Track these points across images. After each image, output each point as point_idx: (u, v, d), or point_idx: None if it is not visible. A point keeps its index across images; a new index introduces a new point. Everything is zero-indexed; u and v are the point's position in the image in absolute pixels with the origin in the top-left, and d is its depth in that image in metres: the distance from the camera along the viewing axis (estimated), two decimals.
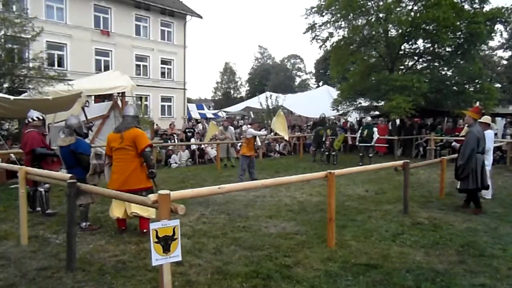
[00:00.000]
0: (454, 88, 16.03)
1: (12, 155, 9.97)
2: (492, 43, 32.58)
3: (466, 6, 15.35)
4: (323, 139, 14.05)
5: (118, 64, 24.75)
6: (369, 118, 14.84)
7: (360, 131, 13.98)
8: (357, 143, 13.99)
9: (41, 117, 6.85)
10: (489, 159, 7.72)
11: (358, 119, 20.69)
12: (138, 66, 27.75)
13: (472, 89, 15.82)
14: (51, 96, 10.73)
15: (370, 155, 13.32)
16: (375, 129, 13.57)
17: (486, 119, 7.80)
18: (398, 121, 16.63)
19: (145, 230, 5.20)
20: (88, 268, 4.14)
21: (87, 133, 6.78)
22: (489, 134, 7.63)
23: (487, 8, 15.21)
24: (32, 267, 4.18)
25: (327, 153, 13.95)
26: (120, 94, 13.44)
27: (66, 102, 10.59)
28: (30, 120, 6.79)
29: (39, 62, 12.46)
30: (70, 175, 4.49)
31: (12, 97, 9.12)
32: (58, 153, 6.11)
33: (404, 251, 4.74)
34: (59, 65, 22.21)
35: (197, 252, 4.64)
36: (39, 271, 4.08)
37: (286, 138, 13.44)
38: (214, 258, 4.46)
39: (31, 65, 12.54)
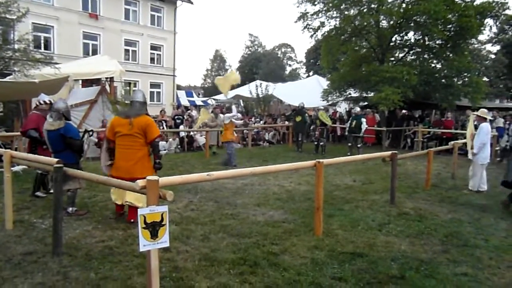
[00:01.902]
0: (443, 81, 16.17)
1: None
2: (481, 37, 32.86)
3: None
4: (304, 128, 14.28)
5: (107, 48, 24.31)
6: (358, 109, 14.86)
7: (349, 121, 14.04)
8: (346, 133, 14.06)
9: (48, 101, 6.67)
10: (485, 153, 7.72)
11: (347, 109, 20.77)
12: (127, 51, 27.30)
13: (461, 83, 15.99)
14: (38, 79, 10.52)
15: (359, 145, 13.38)
16: (363, 120, 13.60)
17: (482, 112, 7.85)
18: (386, 113, 16.75)
19: (132, 220, 5.11)
20: (75, 253, 4.12)
21: None
22: (484, 127, 7.66)
23: (477, 1, 15.31)
24: (17, 252, 4.14)
25: (315, 142, 14.04)
26: (108, 79, 13.24)
27: (52, 86, 10.39)
28: (37, 103, 6.79)
29: (25, 44, 12.14)
30: (56, 159, 4.43)
31: None
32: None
33: (389, 240, 4.81)
34: (45, 48, 21.74)
35: (185, 239, 4.64)
36: (25, 256, 4.04)
37: (225, 95, 12.87)
38: (201, 245, 4.47)
39: (16, 47, 12.23)
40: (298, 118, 14.29)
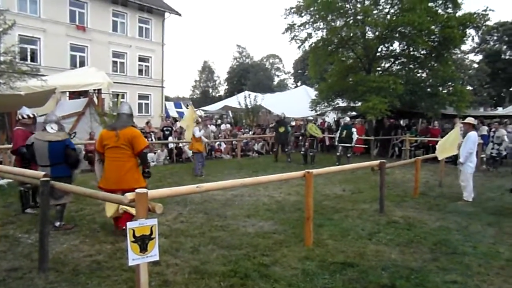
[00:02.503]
0: (428, 90, 16.47)
1: None
2: (464, 47, 33.61)
3: (440, 11, 15.79)
4: (287, 138, 14.20)
5: (94, 60, 24.22)
6: (347, 119, 14.92)
7: (339, 131, 14.06)
8: (336, 143, 14.07)
9: (31, 115, 6.46)
10: (473, 161, 7.66)
11: (335, 119, 20.95)
12: (115, 62, 27.24)
13: (445, 92, 16.30)
14: (24, 91, 10.41)
15: (349, 155, 13.27)
16: (354, 130, 13.60)
17: (470, 119, 7.82)
18: (374, 122, 16.94)
19: (124, 228, 5.03)
20: (62, 269, 4.04)
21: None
22: (471, 136, 7.59)
23: (459, 13, 15.69)
24: (2, 268, 4.04)
25: (302, 153, 13.95)
26: (96, 91, 13.17)
27: (39, 98, 10.30)
28: (20, 117, 6.47)
29: (11, 56, 12.02)
30: (43, 173, 4.36)
31: None
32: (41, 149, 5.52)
33: (380, 249, 4.83)
34: (32, 60, 21.58)
35: (174, 252, 4.59)
36: (10, 272, 3.94)
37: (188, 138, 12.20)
38: (191, 258, 4.42)
39: (2, 59, 12.09)
40: (281, 129, 14.19)
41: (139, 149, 5.11)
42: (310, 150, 13.72)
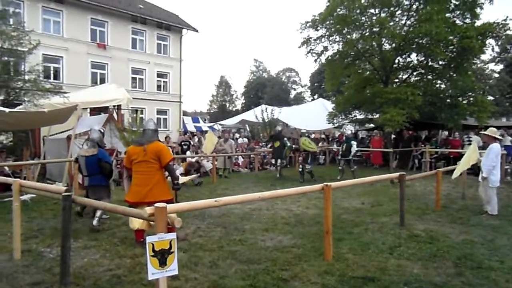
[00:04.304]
0: (448, 101, 16.20)
1: (6, 167, 9.90)
2: (484, 57, 33.08)
3: (458, 21, 15.62)
4: (282, 153, 13.25)
5: (114, 77, 24.79)
6: (349, 132, 14.48)
7: (341, 145, 13.72)
8: (339, 157, 13.82)
9: (101, 130, 7.78)
10: (497, 175, 7.29)
11: (353, 131, 20.79)
12: (134, 79, 27.81)
13: (466, 102, 16.00)
14: (47, 108, 10.70)
15: (352, 169, 12.86)
16: (353, 143, 13.27)
17: (492, 131, 7.43)
18: (393, 134, 16.73)
19: (142, 240, 5.23)
20: (82, 283, 4.08)
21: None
22: (494, 148, 7.26)
23: (478, 23, 15.48)
24: (25, 282, 4.11)
25: (300, 169, 12.95)
26: (116, 107, 13.43)
27: (61, 115, 10.55)
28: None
29: (35, 75, 12.46)
30: (65, 188, 4.46)
31: (7, 110, 9.09)
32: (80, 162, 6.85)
33: (401, 263, 4.72)
34: (55, 78, 22.21)
35: (193, 266, 4.59)
36: (32, 286, 4.01)
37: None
38: (210, 272, 4.41)
39: (27, 77, 12.53)
40: (276, 144, 13.35)
41: (166, 161, 5.35)
42: (305, 165, 12.74)
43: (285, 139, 13.92)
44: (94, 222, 6.10)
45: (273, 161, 13.02)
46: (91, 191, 6.71)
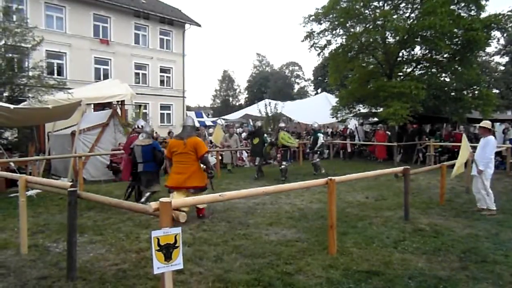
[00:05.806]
0: (452, 94, 16.10)
1: (11, 163, 9.97)
2: (489, 49, 32.79)
3: (463, 14, 15.45)
4: (262, 150, 12.15)
5: (118, 72, 24.85)
6: (316, 125, 13.63)
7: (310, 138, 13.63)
8: (307, 150, 13.78)
9: (141, 126, 8.39)
10: (492, 168, 7.23)
11: (356, 125, 20.73)
12: (137, 74, 27.82)
13: (470, 95, 15.89)
14: (51, 104, 10.76)
15: (314, 161, 12.79)
16: (320, 135, 13.13)
17: (486, 123, 7.39)
18: (396, 128, 16.66)
19: (201, 215, 6.64)
20: (89, 277, 4.12)
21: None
22: (491, 141, 7.18)
23: (484, 15, 15.31)
24: (32, 276, 4.16)
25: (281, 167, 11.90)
26: (120, 102, 13.47)
27: (65, 111, 10.61)
28: (135, 126, 8.84)
29: (39, 71, 12.49)
30: (70, 183, 4.49)
31: (12, 106, 9.15)
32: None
33: (405, 257, 4.72)
34: (58, 74, 22.26)
35: (198, 260, 4.62)
36: (39, 280, 4.05)
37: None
38: (215, 266, 4.44)
39: (31, 74, 12.58)
40: (256, 140, 12.29)
41: (201, 153, 6.40)
42: (282, 163, 11.92)
43: (265, 135, 12.92)
44: (143, 199, 7.11)
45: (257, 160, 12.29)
46: (143, 176, 7.52)
